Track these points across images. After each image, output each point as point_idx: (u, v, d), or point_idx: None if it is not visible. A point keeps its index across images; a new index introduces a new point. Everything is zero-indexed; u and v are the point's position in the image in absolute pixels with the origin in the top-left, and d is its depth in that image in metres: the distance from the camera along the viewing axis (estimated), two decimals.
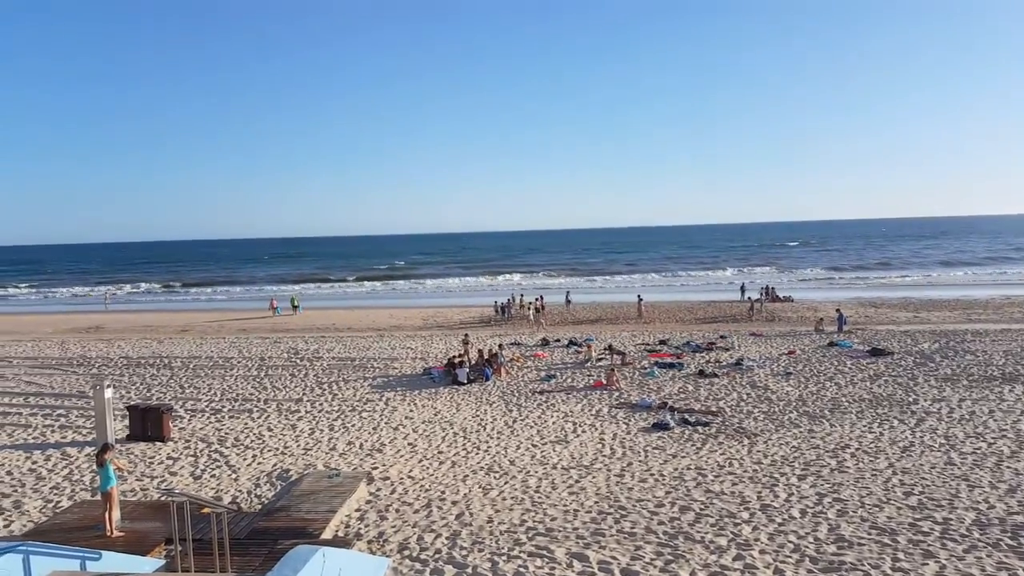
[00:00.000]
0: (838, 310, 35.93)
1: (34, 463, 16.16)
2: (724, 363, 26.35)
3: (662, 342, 31.46)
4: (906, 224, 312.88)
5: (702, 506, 12.67)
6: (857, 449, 15.87)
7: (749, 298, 46.36)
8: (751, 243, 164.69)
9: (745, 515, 12.21)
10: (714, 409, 19.88)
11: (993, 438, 16.35)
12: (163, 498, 13.47)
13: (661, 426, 18.07)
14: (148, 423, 17.86)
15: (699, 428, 17.97)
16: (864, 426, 17.76)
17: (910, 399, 20.33)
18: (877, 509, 12.28)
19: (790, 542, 11.01)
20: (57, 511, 12.95)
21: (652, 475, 14.47)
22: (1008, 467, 14.29)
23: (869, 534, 11.22)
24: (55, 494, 14.06)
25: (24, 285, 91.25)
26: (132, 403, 19.77)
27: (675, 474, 14.51)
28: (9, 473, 15.43)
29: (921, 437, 16.64)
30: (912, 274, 74.67)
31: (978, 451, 15.45)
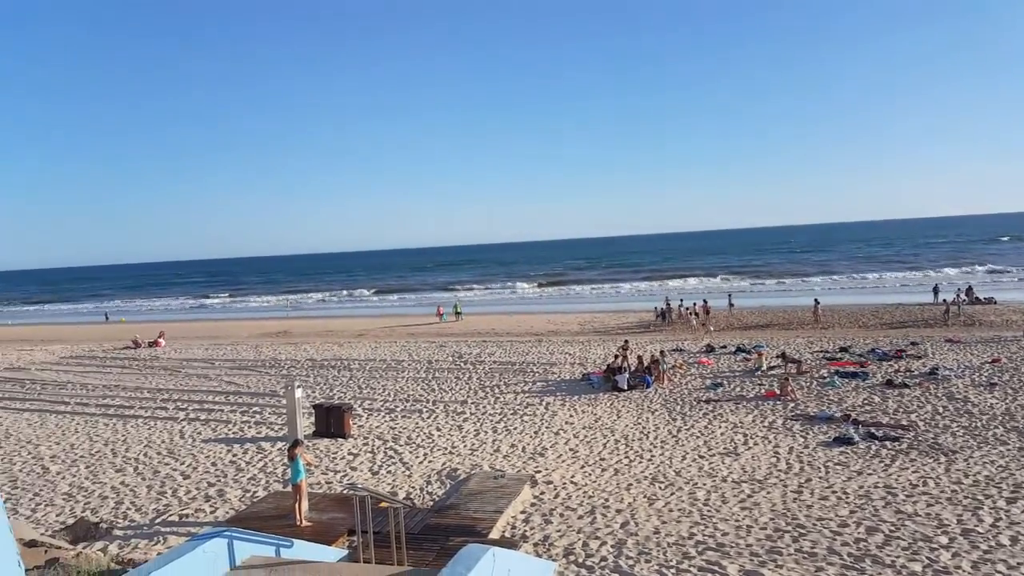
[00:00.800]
0: None
1: (234, 456, 17.86)
2: (916, 372, 24.03)
3: (843, 349, 29.25)
4: None
5: (892, 527, 11.60)
6: None
7: (944, 300, 41.95)
8: (952, 239, 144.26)
9: (943, 539, 11.04)
10: (905, 423, 18.17)
11: None
12: (346, 492, 14.38)
13: (844, 440, 16.76)
14: (331, 421, 19.20)
15: (887, 443, 16.47)
16: None
17: None
18: None
19: (999, 572, 9.82)
20: (254, 500, 14.20)
21: (834, 492, 13.45)
22: None
23: None
24: (252, 484, 15.44)
25: (225, 294, 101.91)
26: (317, 402, 21.33)
27: (860, 492, 13.39)
28: (214, 464, 17.16)
29: None
30: None
31: None
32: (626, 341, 31.19)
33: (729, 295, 50.60)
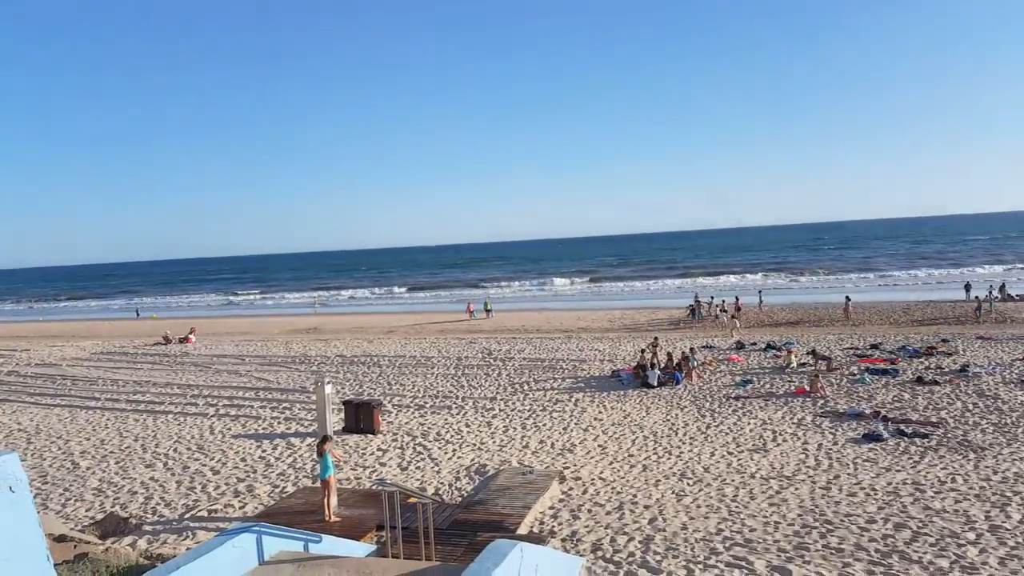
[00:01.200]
0: None
1: (263, 451, 18.18)
2: (946, 369, 23.69)
3: (873, 346, 28.90)
4: None
5: (920, 524, 11.53)
6: None
7: (976, 297, 41.18)
8: (992, 235, 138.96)
9: (971, 535, 10.97)
10: (934, 420, 17.95)
11: None
12: (375, 487, 14.58)
13: (873, 437, 16.63)
14: (361, 417, 19.46)
15: (917, 440, 16.32)
16: None
17: None
18: None
19: None
20: (283, 496, 14.44)
21: (862, 489, 13.37)
22: None
23: None
24: (281, 480, 15.71)
25: (255, 291, 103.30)
26: (347, 398, 21.62)
27: (889, 489, 13.30)
28: (243, 460, 17.47)
29: None
30: None
31: None
32: (656, 338, 31.09)
33: (759, 292, 50.14)
